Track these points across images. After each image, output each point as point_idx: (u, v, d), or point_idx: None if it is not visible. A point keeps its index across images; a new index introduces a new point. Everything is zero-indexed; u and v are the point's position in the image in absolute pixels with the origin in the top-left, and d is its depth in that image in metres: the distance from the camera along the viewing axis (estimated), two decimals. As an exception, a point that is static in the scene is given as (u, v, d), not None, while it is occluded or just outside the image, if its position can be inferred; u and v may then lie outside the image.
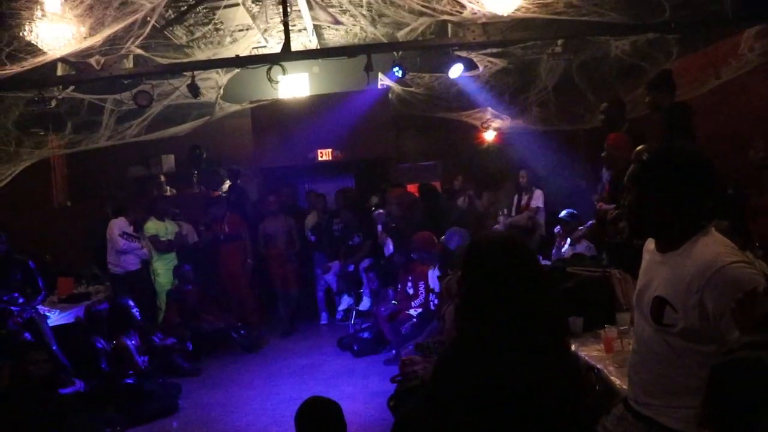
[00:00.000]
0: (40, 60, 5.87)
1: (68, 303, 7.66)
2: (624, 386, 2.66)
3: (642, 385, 2.22)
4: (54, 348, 6.30)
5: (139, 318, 6.77)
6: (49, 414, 4.59)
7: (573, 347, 3.55)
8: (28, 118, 7.76)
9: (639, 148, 4.36)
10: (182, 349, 7.27)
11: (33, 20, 5.42)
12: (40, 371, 4.81)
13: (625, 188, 2.25)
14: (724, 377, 1.46)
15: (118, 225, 8.15)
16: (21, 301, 6.48)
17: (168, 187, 10.41)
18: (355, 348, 7.34)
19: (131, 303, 6.71)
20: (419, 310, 6.79)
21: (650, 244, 2.30)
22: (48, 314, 6.97)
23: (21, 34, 5.45)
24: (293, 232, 8.75)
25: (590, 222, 6.61)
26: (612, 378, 3.05)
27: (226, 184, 10.25)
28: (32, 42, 5.62)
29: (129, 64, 6.99)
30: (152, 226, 8.42)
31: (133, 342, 6.45)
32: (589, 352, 3.54)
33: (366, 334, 7.43)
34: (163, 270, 8.38)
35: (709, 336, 1.97)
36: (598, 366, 3.24)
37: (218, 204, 8.97)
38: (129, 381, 6.07)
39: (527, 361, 1.99)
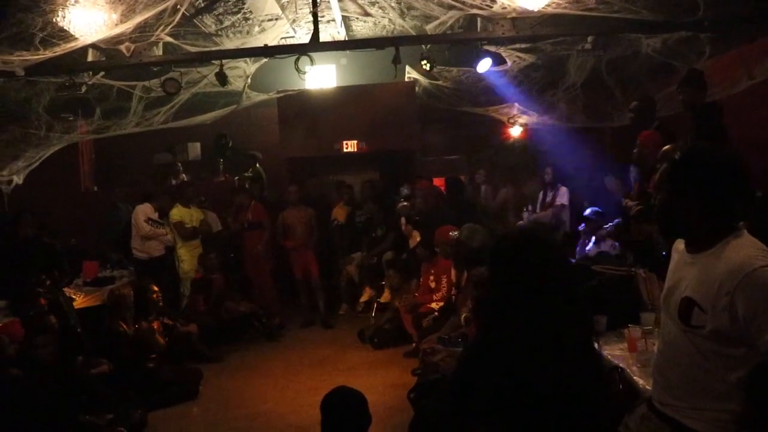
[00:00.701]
0: (71, 46, 5.95)
1: (93, 286, 7.77)
2: (647, 386, 2.64)
3: (667, 386, 2.20)
4: (78, 330, 6.42)
5: (161, 303, 6.85)
6: (61, 394, 4.66)
7: (596, 346, 3.53)
8: (59, 103, 7.86)
9: (666, 147, 4.33)
10: (204, 336, 7.33)
11: (66, 6, 5.49)
12: (45, 354, 4.92)
13: (656, 188, 2.23)
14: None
15: (144, 211, 8.24)
16: (48, 283, 6.59)
17: (183, 175, 10.47)
18: (376, 340, 7.36)
19: (154, 288, 6.78)
20: (441, 303, 6.78)
21: (680, 244, 2.27)
22: (73, 297, 7.09)
23: (54, 20, 5.52)
24: (313, 222, 8.74)
25: (616, 220, 6.54)
26: (635, 378, 3.03)
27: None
28: (65, 28, 5.70)
29: (158, 51, 7.05)
30: (177, 212, 8.48)
31: (154, 327, 6.52)
32: (612, 351, 3.52)
33: (387, 326, 7.43)
34: (188, 257, 8.44)
35: (738, 339, 1.95)
36: (621, 365, 3.22)
37: (243, 192, 9.02)
38: (150, 365, 6.16)
39: (552, 360, 1.98)
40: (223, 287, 8.10)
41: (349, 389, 3.02)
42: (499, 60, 7.84)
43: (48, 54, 5.90)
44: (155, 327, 6.42)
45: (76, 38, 5.90)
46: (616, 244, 6.56)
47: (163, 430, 5.45)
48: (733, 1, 6.11)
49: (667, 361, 2.21)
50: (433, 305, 6.83)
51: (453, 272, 6.65)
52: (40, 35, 5.58)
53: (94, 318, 6.85)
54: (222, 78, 7.47)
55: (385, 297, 8.17)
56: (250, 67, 8.23)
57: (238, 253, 8.97)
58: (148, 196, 8.49)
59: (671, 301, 2.18)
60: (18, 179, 8.53)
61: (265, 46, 7.37)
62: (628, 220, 5.58)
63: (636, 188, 5.75)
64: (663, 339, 2.27)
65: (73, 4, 5.49)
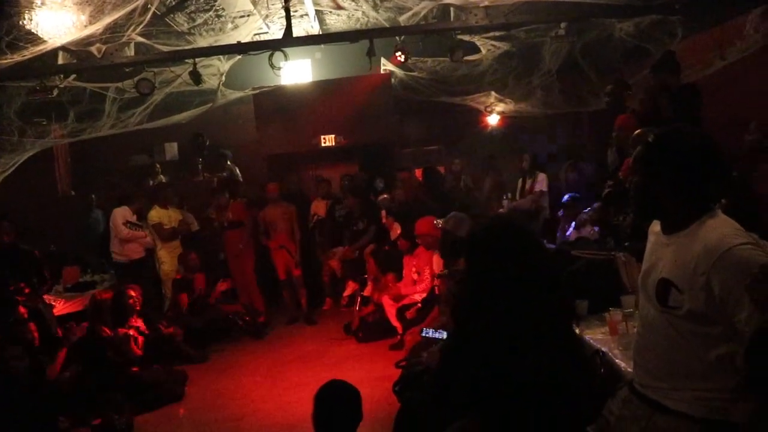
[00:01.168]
0: (40, 49, 5.87)
1: (74, 292, 7.70)
2: (629, 369, 2.66)
3: (647, 368, 2.21)
4: (58, 338, 6.35)
5: (138, 307, 6.71)
6: (37, 406, 4.62)
7: (578, 330, 3.55)
8: (31, 108, 7.77)
9: (639, 131, 4.36)
10: (188, 337, 7.28)
11: (32, 8, 5.41)
12: (18, 365, 4.84)
13: (630, 170, 2.23)
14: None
15: (121, 214, 8.15)
16: (27, 291, 6.51)
17: (162, 176, 10.40)
18: (360, 334, 7.36)
19: (131, 293, 6.63)
20: (424, 295, 6.78)
21: (655, 226, 2.28)
22: (53, 303, 7.01)
23: (21, 22, 5.45)
24: (294, 219, 8.69)
25: (595, 204, 6.59)
26: (617, 361, 3.05)
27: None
28: (32, 31, 5.62)
29: (130, 51, 6.98)
30: (155, 214, 8.41)
31: (129, 334, 6.38)
32: (594, 335, 3.54)
33: (371, 320, 7.43)
34: (168, 258, 8.38)
35: (714, 318, 1.96)
36: (603, 349, 3.24)
37: (220, 192, 8.94)
38: (135, 369, 6.10)
39: (531, 349, 1.98)
40: (203, 287, 8.05)
41: (343, 383, 3.01)
42: (473, 49, 7.86)
43: (16, 58, 5.82)
44: (131, 333, 6.28)
45: (45, 41, 5.82)
46: (596, 228, 6.60)
47: (149, 433, 5.41)
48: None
49: (647, 343, 2.22)
50: (416, 297, 6.83)
51: (434, 263, 6.65)
52: (7, 39, 5.50)
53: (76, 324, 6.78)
54: (196, 77, 7.41)
55: (368, 290, 8.15)
56: (224, 64, 8.18)
57: (221, 254, 8.92)
58: (125, 199, 8.40)
59: (648, 283, 2.19)
60: (-7, 186, 8.41)
61: (239, 42, 7.34)
62: (607, 207, 5.64)
63: (619, 173, 5.80)
64: (641, 321, 2.28)
65: (39, 6, 5.41)
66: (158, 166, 10.57)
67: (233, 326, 7.93)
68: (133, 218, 8.19)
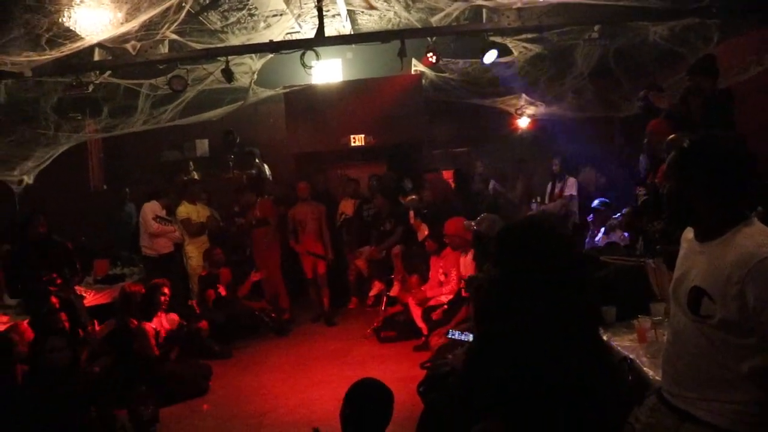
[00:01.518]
0: (78, 45, 5.97)
1: (104, 284, 7.83)
2: (657, 377, 2.62)
3: (676, 377, 2.18)
4: (88, 329, 6.47)
5: (164, 307, 6.76)
6: (72, 396, 4.67)
7: (606, 337, 3.51)
8: (66, 103, 7.91)
9: (672, 136, 4.29)
10: (214, 332, 7.34)
11: (72, 6, 5.50)
12: (60, 358, 4.85)
13: (665, 176, 2.21)
14: None
15: (151, 209, 8.26)
16: (59, 282, 6.63)
17: (195, 172, 10.52)
18: (383, 334, 7.36)
19: (165, 291, 6.71)
20: (450, 296, 6.76)
21: (689, 233, 2.25)
22: (84, 295, 7.14)
23: (60, 20, 5.54)
24: (323, 218, 8.70)
25: (625, 209, 6.51)
26: (645, 369, 3.01)
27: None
28: (70, 28, 5.72)
29: (164, 49, 7.06)
30: (184, 209, 8.50)
31: (157, 325, 6.45)
32: (621, 342, 3.49)
33: (397, 320, 7.42)
34: (196, 253, 8.46)
35: (747, 328, 1.92)
36: (631, 356, 3.20)
37: (248, 190, 9.01)
38: (161, 361, 6.16)
39: (558, 351, 1.96)
40: (229, 283, 8.12)
41: (377, 382, 3.01)
42: (505, 51, 7.81)
43: (55, 54, 5.93)
44: (149, 330, 6.32)
45: (82, 38, 5.93)
46: (626, 234, 6.52)
47: (174, 425, 5.46)
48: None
49: (677, 352, 2.19)
50: (442, 298, 6.81)
51: (462, 265, 6.62)
52: (46, 36, 5.61)
53: (105, 315, 6.90)
54: (228, 74, 7.47)
55: (395, 290, 8.15)
56: (256, 63, 8.24)
57: (247, 250, 8.98)
58: (155, 194, 8.51)
59: (680, 291, 2.16)
60: (28, 179, 8.57)
61: (271, 41, 7.38)
62: (638, 212, 5.56)
63: (649, 178, 5.72)
64: (672, 329, 2.24)
65: (78, 4, 5.51)
66: (191, 163, 10.71)
67: (258, 323, 7.98)
68: (163, 213, 8.31)
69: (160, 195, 8.54)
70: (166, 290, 6.59)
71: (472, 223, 5.99)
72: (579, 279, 2.13)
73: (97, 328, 6.63)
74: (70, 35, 5.84)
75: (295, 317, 8.51)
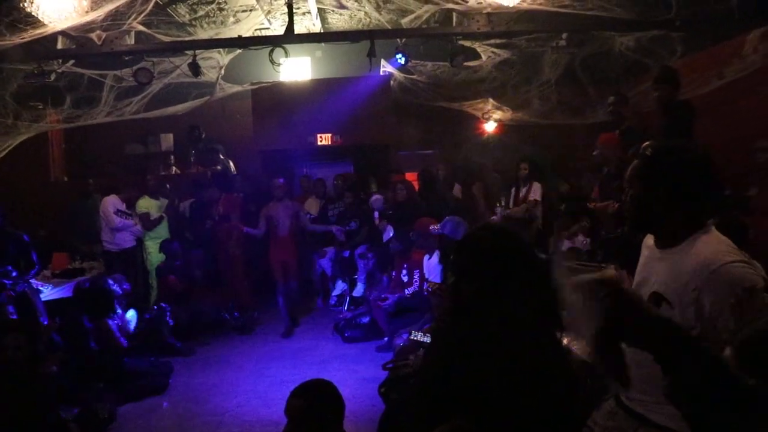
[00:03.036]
0: (40, 32, 5.84)
1: (62, 278, 7.66)
2: (615, 382, 2.66)
3: (633, 382, 2.21)
4: (45, 323, 6.31)
5: (120, 295, 6.59)
6: (31, 394, 4.54)
7: (565, 341, 3.55)
8: (27, 91, 7.72)
9: (646, 143, 4.38)
10: (175, 329, 7.25)
11: (34, -9, 5.39)
12: (19, 354, 4.60)
13: (627, 183, 2.24)
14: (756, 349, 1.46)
15: (112, 203, 8.09)
16: (14, 274, 6.46)
17: (175, 167, 10.42)
18: (347, 334, 7.35)
19: (113, 282, 6.54)
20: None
21: (649, 239, 2.29)
22: (41, 288, 6.98)
23: (21, 4, 5.41)
24: (299, 217, 8.37)
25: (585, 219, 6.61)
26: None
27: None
28: (33, 13, 5.59)
29: (130, 40, 6.96)
30: (144, 203, 8.38)
31: (116, 322, 6.32)
32: (581, 346, 3.54)
33: (359, 320, 7.43)
34: (155, 249, 8.35)
35: (703, 334, 1.96)
36: (590, 360, 3.24)
37: (210, 186, 8.89)
38: (118, 359, 6.06)
39: (519, 355, 1.98)
40: (187, 278, 8.04)
41: (318, 380, 3.01)
42: (474, 55, 7.87)
43: (15, 40, 5.79)
44: (112, 324, 6.19)
45: (45, 24, 5.80)
46: (587, 240, 6.61)
47: (131, 424, 5.37)
48: (704, 1, 6.19)
49: (634, 356, 2.22)
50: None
51: (426, 266, 6.66)
52: (6, 20, 5.47)
53: (62, 310, 6.75)
54: (195, 68, 7.39)
55: (358, 291, 8.15)
56: (223, 57, 8.16)
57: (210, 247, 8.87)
58: (114, 188, 8.33)
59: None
60: (-16, 168, 8.36)
61: (240, 37, 7.32)
62: (594, 220, 5.67)
63: (596, 191, 5.84)
64: (631, 334, 2.28)
65: (41, -10, 5.39)
66: (172, 157, 10.57)
67: (220, 320, 7.90)
68: (123, 207, 8.14)
69: (120, 189, 8.35)
70: (113, 283, 6.48)
71: (437, 226, 6.04)
72: (538, 283, 2.15)
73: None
74: (33, 21, 5.71)
75: (259, 315, 8.39)
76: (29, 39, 5.89)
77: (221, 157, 10.26)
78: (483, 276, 2.08)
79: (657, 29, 6.75)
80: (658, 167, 2.13)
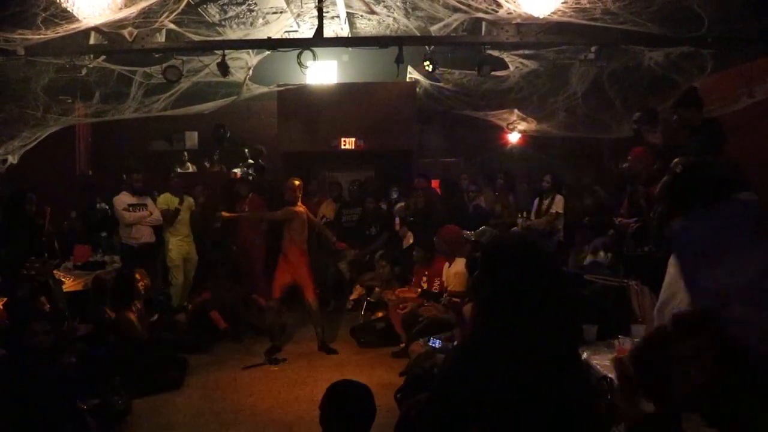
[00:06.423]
0: (74, 27, 5.92)
1: (83, 270, 7.72)
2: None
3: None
4: (66, 314, 6.37)
5: (143, 291, 6.66)
6: (50, 382, 4.58)
7: (585, 355, 3.53)
8: (58, 85, 7.81)
9: (677, 160, 4.34)
10: (191, 325, 7.28)
11: (71, -13, 5.46)
12: (40, 342, 4.62)
13: (656, 199, 2.23)
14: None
15: (121, 201, 8.00)
16: (38, 265, 6.53)
17: (190, 164, 10.46)
18: (362, 339, 7.34)
19: (137, 276, 6.59)
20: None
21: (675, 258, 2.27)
22: (63, 280, 7.05)
23: (58, 0, 5.49)
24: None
25: (610, 232, 6.55)
26: (624, 389, 3.02)
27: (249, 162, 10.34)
28: (68, 9, 5.66)
29: (161, 38, 7.02)
30: (163, 199, 8.42)
31: (131, 318, 6.35)
32: (601, 361, 3.52)
33: (377, 326, 7.42)
34: (175, 246, 8.39)
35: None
36: (610, 375, 3.22)
37: (243, 183, 8.95)
38: (136, 352, 6.09)
39: (537, 367, 1.97)
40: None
41: (353, 382, 3.04)
42: (501, 65, 7.86)
43: (50, 34, 5.87)
44: (132, 317, 6.26)
45: (79, 20, 5.87)
46: (610, 255, 6.56)
47: (146, 417, 5.40)
48: (736, 19, 6.12)
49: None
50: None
51: (445, 274, 6.64)
52: (43, 15, 5.54)
53: (82, 302, 6.81)
54: (224, 68, 7.44)
55: (375, 296, 8.11)
56: (252, 58, 8.22)
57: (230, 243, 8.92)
58: (122, 184, 8.26)
59: (665, 314, 2.18)
60: (13, 159, 8.46)
61: (269, 38, 7.36)
62: (622, 236, 5.61)
63: (625, 205, 5.78)
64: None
65: (78, -14, 5.46)
66: (185, 154, 10.63)
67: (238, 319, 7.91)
68: (134, 200, 8.04)
69: (128, 184, 8.13)
70: (137, 276, 6.53)
71: (470, 234, 5.98)
72: (560, 296, 2.13)
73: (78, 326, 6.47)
74: (67, 17, 5.78)
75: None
76: (63, 34, 5.97)
77: (260, 161, 10.27)
78: (504, 279, 2.08)
79: (688, 45, 6.69)
80: (689, 184, 2.11)
